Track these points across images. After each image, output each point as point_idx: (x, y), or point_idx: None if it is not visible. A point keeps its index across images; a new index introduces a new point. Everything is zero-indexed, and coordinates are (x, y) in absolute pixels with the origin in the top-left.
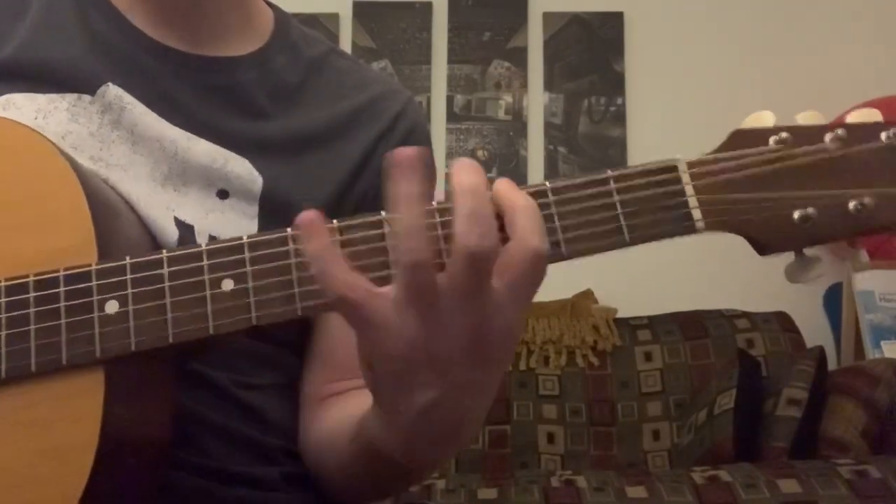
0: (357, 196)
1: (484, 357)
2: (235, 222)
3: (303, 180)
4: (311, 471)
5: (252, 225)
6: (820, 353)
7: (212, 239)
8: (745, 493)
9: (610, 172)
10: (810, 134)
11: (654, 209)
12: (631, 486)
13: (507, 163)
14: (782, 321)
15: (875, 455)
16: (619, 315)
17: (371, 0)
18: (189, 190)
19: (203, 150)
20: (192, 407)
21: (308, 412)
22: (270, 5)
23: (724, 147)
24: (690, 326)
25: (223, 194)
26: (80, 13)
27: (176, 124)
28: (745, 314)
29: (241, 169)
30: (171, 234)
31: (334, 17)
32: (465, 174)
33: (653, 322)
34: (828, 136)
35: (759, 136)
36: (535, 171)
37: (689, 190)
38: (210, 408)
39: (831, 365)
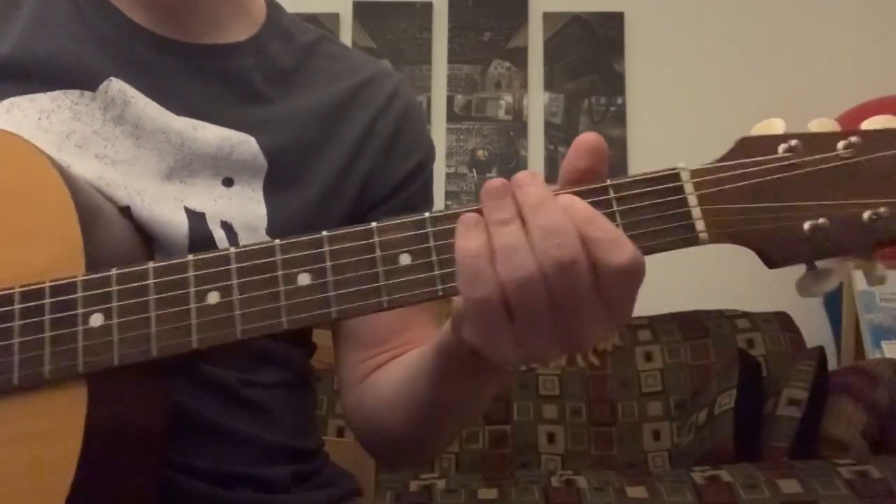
0: (361, 174)
1: (571, 343)
2: (243, 206)
3: (305, 159)
4: (370, 438)
5: (260, 207)
6: (820, 353)
7: (224, 224)
8: (745, 493)
9: (609, 181)
10: (822, 141)
11: (655, 220)
12: (631, 486)
13: (507, 163)
14: (782, 321)
15: (875, 455)
16: None
17: (371, 0)
18: (195, 180)
19: (210, 136)
20: (197, 409)
21: (354, 391)
22: None
23: (730, 155)
24: (690, 326)
25: (228, 182)
26: (76, 9)
27: (180, 114)
28: (745, 314)
29: (247, 155)
30: (181, 225)
31: (334, 17)
32: (528, 189)
33: (653, 322)
34: (841, 144)
35: (768, 143)
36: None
37: (692, 200)
38: (216, 409)
39: (831, 365)
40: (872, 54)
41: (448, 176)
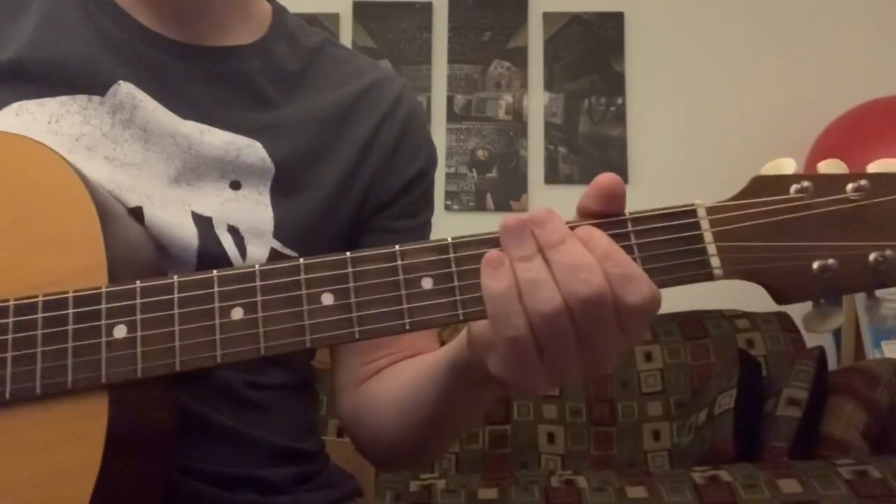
0: (365, 179)
1: (594, 369)
2: (250, 210)
3: (311, 164)
4: (368, 442)
5: (267, 211)
6: (820, 353)
7: (231, 228)
8: (745, 493)
9: (628, 215)
10: (832, 183)
11: (671, 254)
12: (631, 486)
13: (507, 163)
14: (782, 321)
15: (875, 455)
16: None
17: (371, 0)
18: (202, 183)
19: (217, 140)
20: (201, 410)
21: (352, 394)
22: None
23: (744, 193)
24: (690, 326)
25: (236, 185)
26: (84, 12)
27: (187, 117)
28: (745, 314)
29: (254, 158)
30: (189, 229)
31: (334, 17)
32: (547, 227)
33: (653, 322)
34: (850, 186)
35: (780, 183)
36: (535, 171)
37: (707, 237)
38: (220, 410)
39: (831, 365)
40: (873, 54)
41: (448, 176)
